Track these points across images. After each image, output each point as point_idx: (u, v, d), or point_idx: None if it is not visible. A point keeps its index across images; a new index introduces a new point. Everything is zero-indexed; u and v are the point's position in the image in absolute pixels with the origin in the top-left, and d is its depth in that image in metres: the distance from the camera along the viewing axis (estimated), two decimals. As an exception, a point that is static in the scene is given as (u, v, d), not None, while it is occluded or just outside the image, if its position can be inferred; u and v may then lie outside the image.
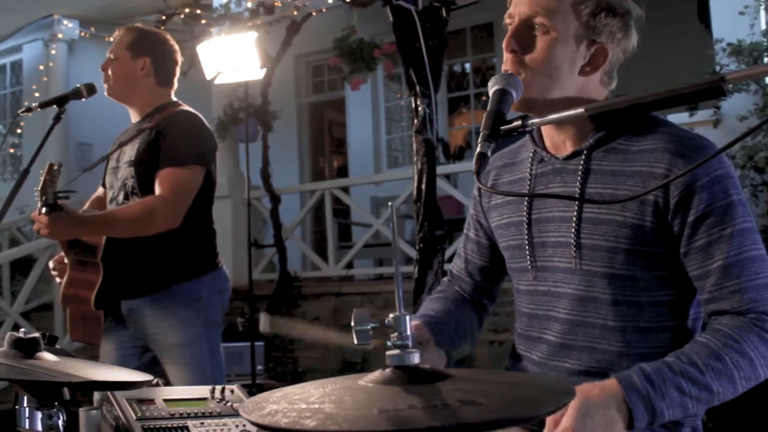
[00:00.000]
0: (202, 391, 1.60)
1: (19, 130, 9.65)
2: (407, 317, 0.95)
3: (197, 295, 2.54)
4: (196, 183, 2.53)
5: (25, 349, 1.20)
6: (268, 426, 0.84)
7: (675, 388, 1.25)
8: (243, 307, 6.45)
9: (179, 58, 2.75)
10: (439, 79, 3.44)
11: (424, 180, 3.34)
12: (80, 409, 1.58)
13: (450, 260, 1.89)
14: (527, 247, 1.52)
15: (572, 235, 1.43)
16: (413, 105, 3.36)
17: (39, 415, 1.22)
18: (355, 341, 0.97)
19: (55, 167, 2.30)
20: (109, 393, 1.44)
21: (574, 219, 1.43)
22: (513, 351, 1.64)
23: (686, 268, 1.37)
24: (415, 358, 0.93)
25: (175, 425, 1.47)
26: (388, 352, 0.93)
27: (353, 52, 6.78)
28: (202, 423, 1.51)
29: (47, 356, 1.23)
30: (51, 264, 2.69)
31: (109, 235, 2.50)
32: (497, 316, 5.31)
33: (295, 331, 1.53)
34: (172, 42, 2.74)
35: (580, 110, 1.21)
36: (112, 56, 2.65)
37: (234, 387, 1.65)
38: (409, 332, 0.94)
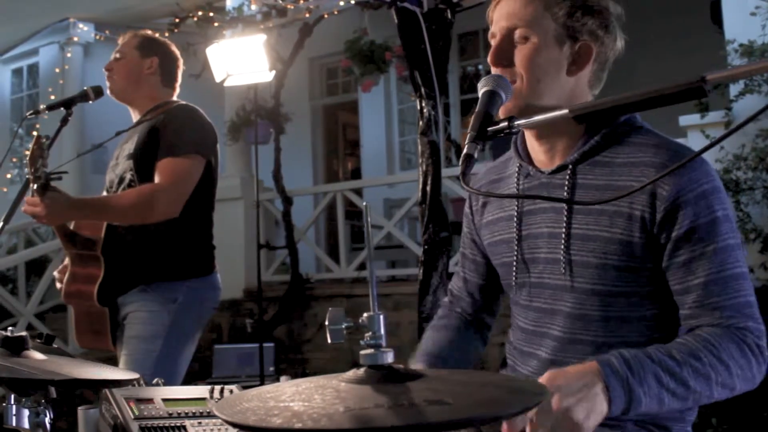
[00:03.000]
0: (201, 390, 1.61)
1: (34, 133, 9.74)
2: (381, 317, 0.95)
3: (174, 296, 2.51)
4: (196, 172, 2.51)
5: (12, 347, 1.21)
6: (237, 423, 0.85)
7: (653, 376, 1.23)
8: (252, 309, 6.48)
9: (182, 65, 2.80)
10: (445, 81, 3.43)
11: (428, 182, 3.34)
12: (79, 408, 1.59)
13: (456, 262, 1.91)
14: (519, 264, 1.51)
15: (562, 252, 1.42)
16: (418, 107, 3.36)
17: (26, 412, 1.23)
18: (329, 340, 0.98)
19: (43, 139, 2.28)
20: (107, 392, 1.46)
21: (563, 235, 1.42)
22: (504, 362, 1.64)
23: (668, 283, 1.36)
24: (389, 358, 0.94)
25: (173, 425, 1.48)
26: (362, 352, 0.94)
27: (364, 54, 6.79)
28: (199, 423, 1.52)
29: (35, 354, 1.24)
30: (56, 274, 2.65)
31: (105, 220, 2.48)
32: (508, 318, 5.29)
33: None
34: (176, 49, 2.80)
35: (565, 111, 1.21)
36: (118, 55, 2.68)
37: (233, 387, 1.66)
38: (382, 332, 0.95)
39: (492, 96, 1.33)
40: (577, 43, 1.42)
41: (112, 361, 2.66)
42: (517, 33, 1.42)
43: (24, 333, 1.23)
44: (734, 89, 4.73)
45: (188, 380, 2.69)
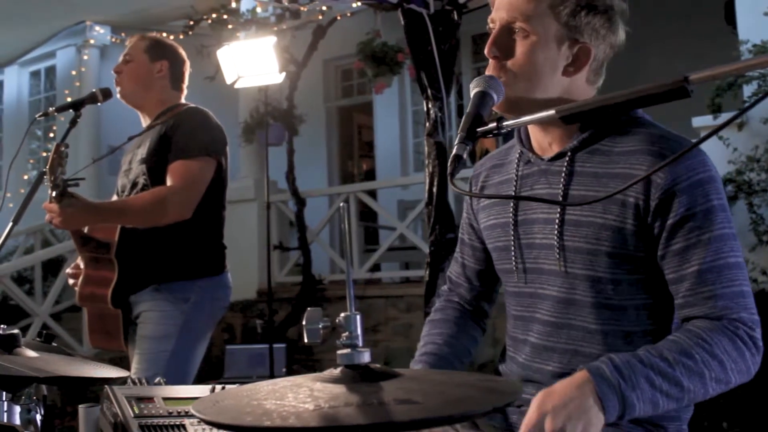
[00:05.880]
0: (201, 390, 1.62)
1: (51, 134, 9.87)
2: (357, 317, 0.96)
3: (186, 296, 2.54)
4: (208, 174, 2.55)
5: (4, 344, 1.23)
6: (211, 421, 0.86)
7: (645, 380, 1.23)
8: (263, 309, 6.50)
9: (189, 68, 2.83)
10: (452, 83, 3.43)
11: (435, 183, 3.34)
12: (80, 406, 1.61)
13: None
14: (514, 249, 1.52)
15: (555, 237, 1.43)
16: (425, 108, 3.36)
17: (17, 409, 1.24)
18: (305, 339, 0.98)
19: (63, 148, 2.32)
20: (108, 390, 1.47)
21: (557, 221, 1.43)
22: (503, 353, 1.64)
23: (663, 272, 1.36)
24: (365, 357, 0.94)
25: (172, 423, 1.49)
26: (339, 352, 0.95)
27: (377, 56, 6.81)
28: (199, 422, 1.53)
29: (26, 352, 1.26)
30: (68, 270, 2.69)
31: (121, 224, 2.52)
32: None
33: None
34: (183, 52, 2.83)
35: (551, 112, 1.21)
36: (127, 57, 2.71)
37: (233, 387, 1.66)
38: (359, 332, 0.95)
39: (483, 97, 1.34)
40: (576, 45, 1.41)
41: (125, 361, 2.69)
42: (517, 26, 1.41)
43: (15, 330, 1.25)
44: (748, 90, 4.68)
45: (200, 380, 2.70)
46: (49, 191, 2.36)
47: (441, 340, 1.65)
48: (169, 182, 2.50)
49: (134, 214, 2.49)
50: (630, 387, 1.22)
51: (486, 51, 1.44)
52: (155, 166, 2.56)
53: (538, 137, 1.51)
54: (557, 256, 1.42)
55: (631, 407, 1.22)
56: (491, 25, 1.46)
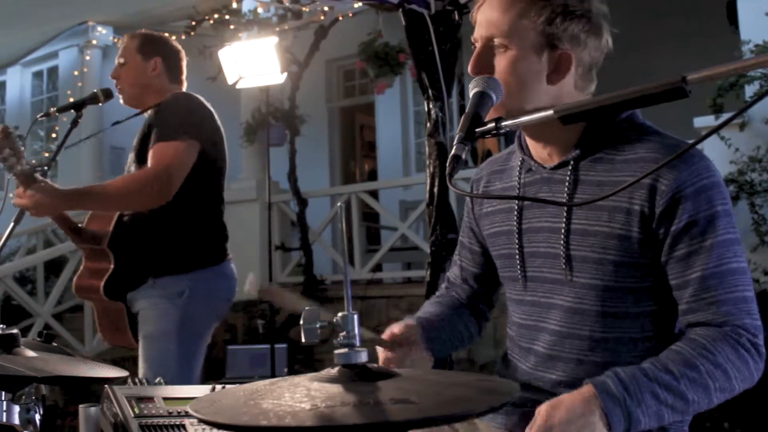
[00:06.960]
0: (201, 390, 1.62)
1: (54, 135, 9.88)
2: (355, 316, 0.96)
3: (180, 290, 2.48)
4: (186, 156, 2.46)
5: (3, 344, 1.23)
6: (208, 421, 0.86)
7: (651, 395, 1.23)
8: (264, 309, 6.50)
9: (184, 57, 2.79)
10: (453, 83, 3.43)
11: (436, 183, 3.34)
12: (80, 406, 1.61)
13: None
14: (518, 257, 1.51)
15: (561, 247, 1.42)
16: (426, 109, 3.36)
17: (16, 408, 1.25)
18: (303, 339, 0.99)
19: (10, 129, 2.25)
20: (108, 389, 1.47)
21: (563, 230, 1.42)
22: (505, 357, 1.64)
23: (667, 277, 1.36)
24: (363, 357, 0.94)
25: (172, 423, 1.49)
26: (336, 351, 0.95)
27: (378, 56, 6.81)
28: (198, 422, 1.53)
29: (25, 352, 1.26)
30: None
31: (96, 209, 2.50)
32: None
33: (283, 301, 1.52)
34: (176, 43, 2.80)
35: (549, 112, 1.21)
36: (122, 61, 2.70)
37: (231, 387, 1.67)
38: (356, 331, 0.96)
39: (482, 97, 1.33)
40: (556, 51, 1.40)
41: (131, 361, 2.68)
42: (496, 42, 1.41)
43: (14, 330, 1.25)
44: (750, 90, 4.68)
45: (201, 380, 2.68)
46: (8, 175, 2.30)
47: (435, 314, 1.64)
48: (148, 165, 2.46)
49: (111, 198, 2.43)
50: (635, 402, 1.22)
51: (470, 69, 1.44)
52: (142, 155, 2.53)
53: (536, 148, 1.50)
54: (563, 266, 1.42)
55: (636, 422, 1.22)
56: (475, 44, 1.46)
